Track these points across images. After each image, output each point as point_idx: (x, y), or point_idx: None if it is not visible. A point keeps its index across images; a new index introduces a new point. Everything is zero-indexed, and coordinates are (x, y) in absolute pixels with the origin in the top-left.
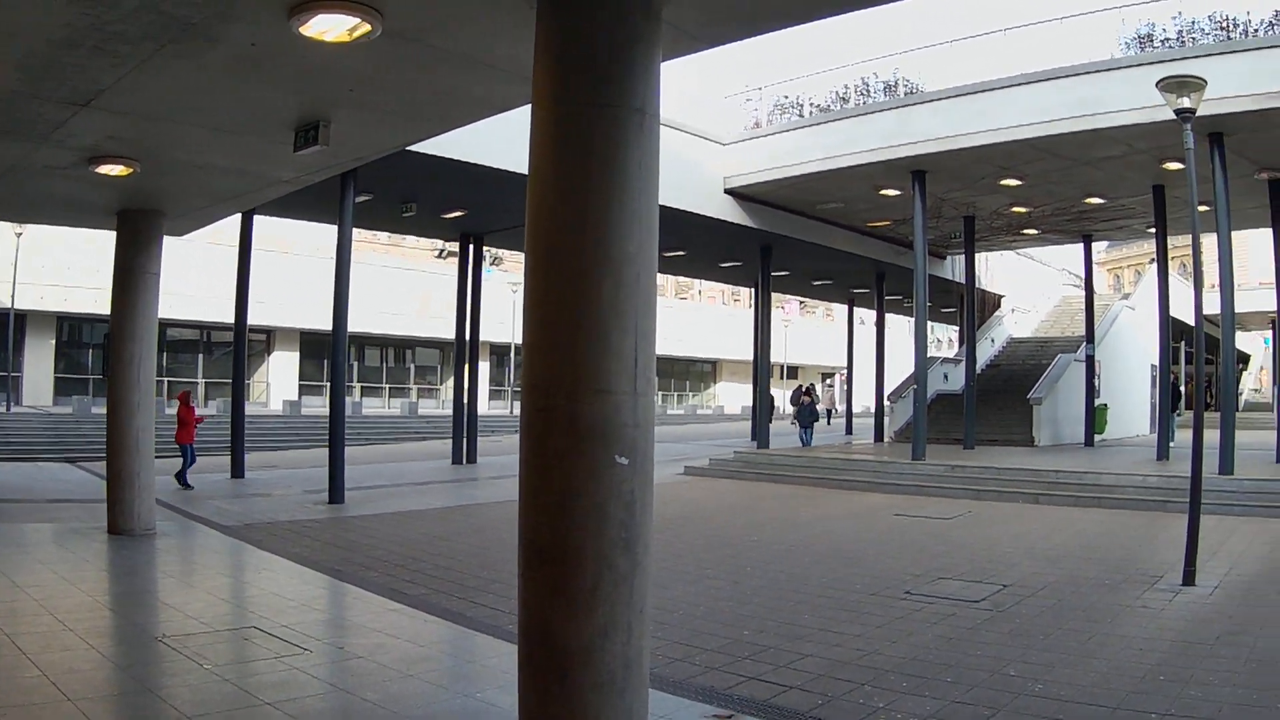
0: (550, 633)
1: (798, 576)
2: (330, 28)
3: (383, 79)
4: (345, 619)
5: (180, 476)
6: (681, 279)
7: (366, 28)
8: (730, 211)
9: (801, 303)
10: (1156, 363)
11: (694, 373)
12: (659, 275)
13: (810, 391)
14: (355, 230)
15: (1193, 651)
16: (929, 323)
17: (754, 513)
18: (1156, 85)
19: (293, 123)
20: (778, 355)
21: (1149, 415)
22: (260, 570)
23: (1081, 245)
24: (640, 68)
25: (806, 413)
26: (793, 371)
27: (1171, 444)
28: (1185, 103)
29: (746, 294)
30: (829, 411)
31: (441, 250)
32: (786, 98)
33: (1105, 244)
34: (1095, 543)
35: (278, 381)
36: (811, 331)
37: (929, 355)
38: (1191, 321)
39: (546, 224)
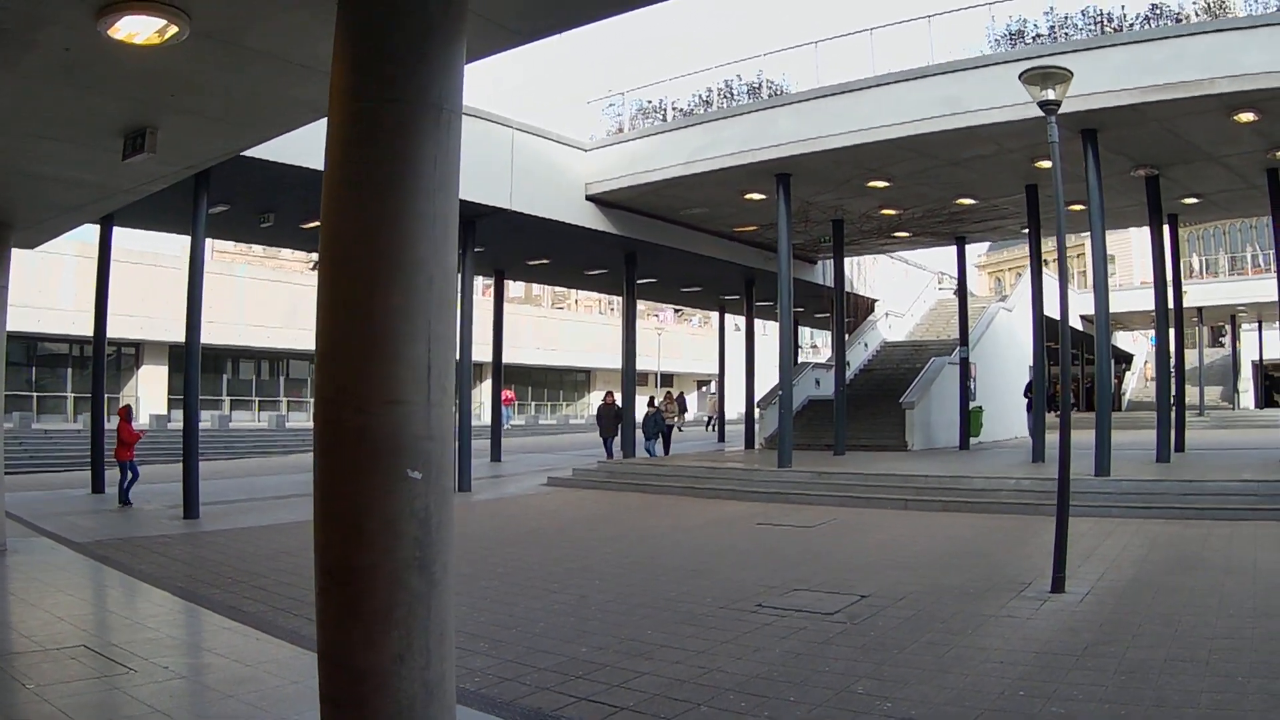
0: (346, 657)
1: (647, 589)
2: (139, 30)
3: (201, 82)
4: (179, 637)
5: (123, 493)
6: (560, 289)
7: (175, 29)
8: (592, 218)
9: (677, 310)
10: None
11: (568, 382)
12: (534, 285)
13: (652, 403)
14: (231, 242)
15: (1058, 664)
16: (805, 328)
17: (612, 524)
18: (1020, 77)
19: (120, 130)
20: (652, 364)
21: (1026, 417)
22: (104, 588)
23: (955, 247)
24: (439, 61)
25: (651, 424)
26: (668, 380)
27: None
28: (1050, 95)
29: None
30: (709, 419)
31: (314, 263)
32: (650, 102)
33: (986, 247)
34: (962, 549)
35: (147, 395)
36: (686, 339)
37: (801, 361)
38: (1071, 322)
39: (337, 226)
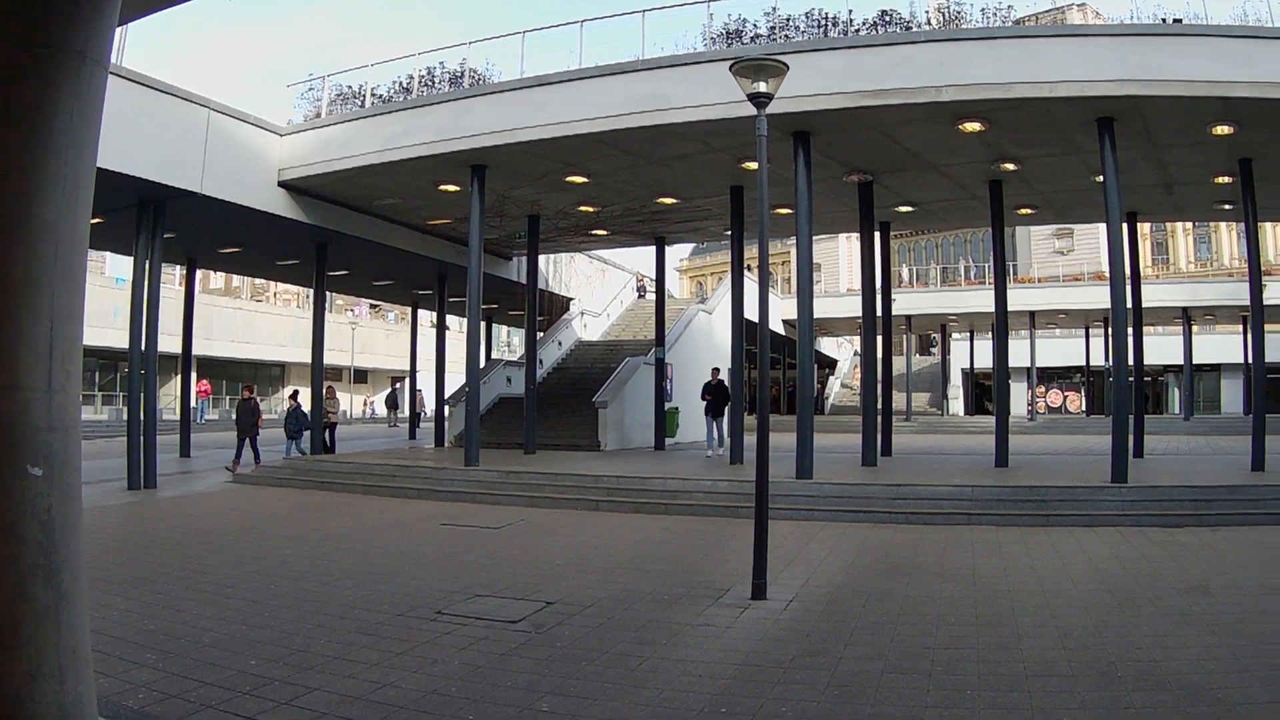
0: None
1: (324, 595)
2: None
3: None
4: None
5: None
6: (259, 280)
7: None
8: (284, 206)
9: (374, 306)
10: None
11: (262, 376)
12: (232, 276)
13: (294, 397)
14: None
15: (763, 677)
16: (502, 326)
17: (294, 523)
18: (731, 68)
19: None
20: (346, 359)
21: (705, 420)
22: None
23: (655, 248)
24: (87, 7)
25: (292, 420)
26: (362, 375)
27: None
28: (762, 87)
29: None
30: (417, 416)
31: None
32: (349, 87)
33: (689, 251)
34: (656, 553)
35: None
36: (381, 335)
37: (494, 358)
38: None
39: None
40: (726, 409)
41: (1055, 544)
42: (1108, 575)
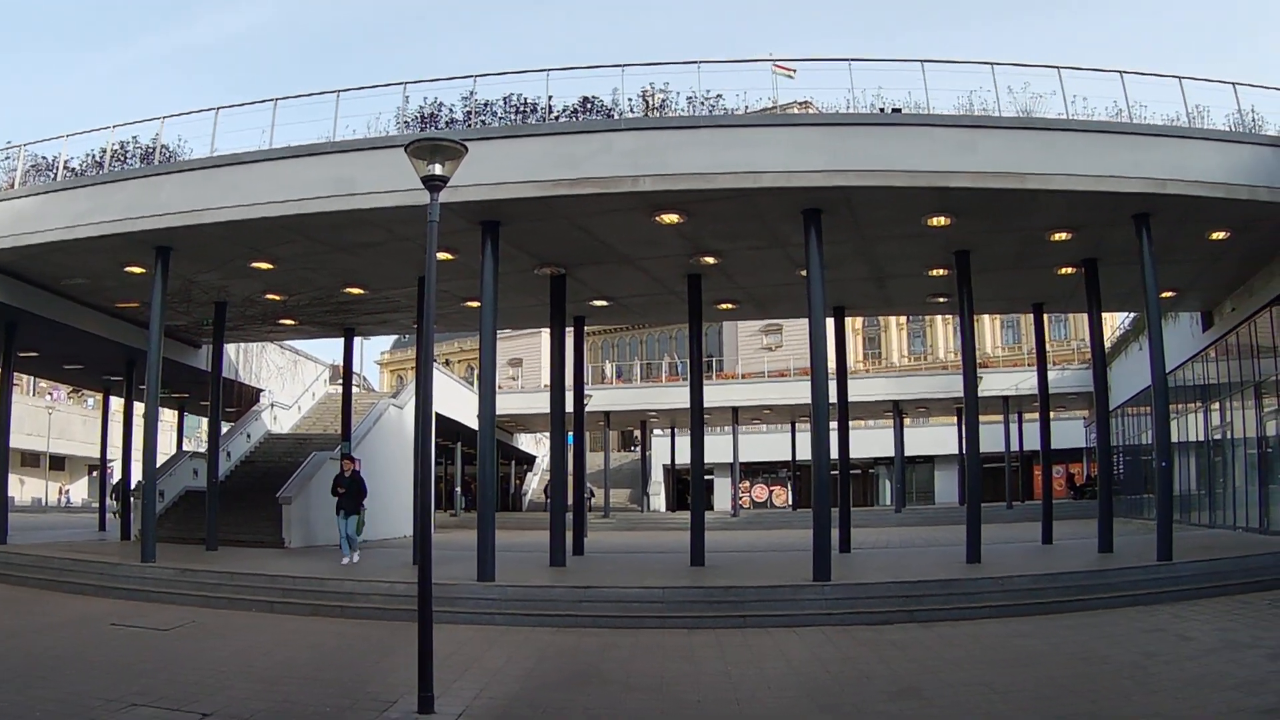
0: None
1: None
2: None
3: None
4: None
5: None
6: None
7: None
8: None
9: (75, 390)
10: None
11: None
12: None
13: None
14: None
15: None
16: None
17: None
18: (406, 149)
19: None
20: (42, 444)
21: (336, 518)
22: None
23: (342, 340)
24: None
25: None
26: (59, 462)
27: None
28: (437, 169)
29: (27, 380)
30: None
31: None
32: (44, 157)
33: (390, 344)
34: (326, 660)
35: None
36: (78, 419)
37: (183, 449)
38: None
39: None
40: (363, 506)
41: (753, 647)
42: (809, 679)
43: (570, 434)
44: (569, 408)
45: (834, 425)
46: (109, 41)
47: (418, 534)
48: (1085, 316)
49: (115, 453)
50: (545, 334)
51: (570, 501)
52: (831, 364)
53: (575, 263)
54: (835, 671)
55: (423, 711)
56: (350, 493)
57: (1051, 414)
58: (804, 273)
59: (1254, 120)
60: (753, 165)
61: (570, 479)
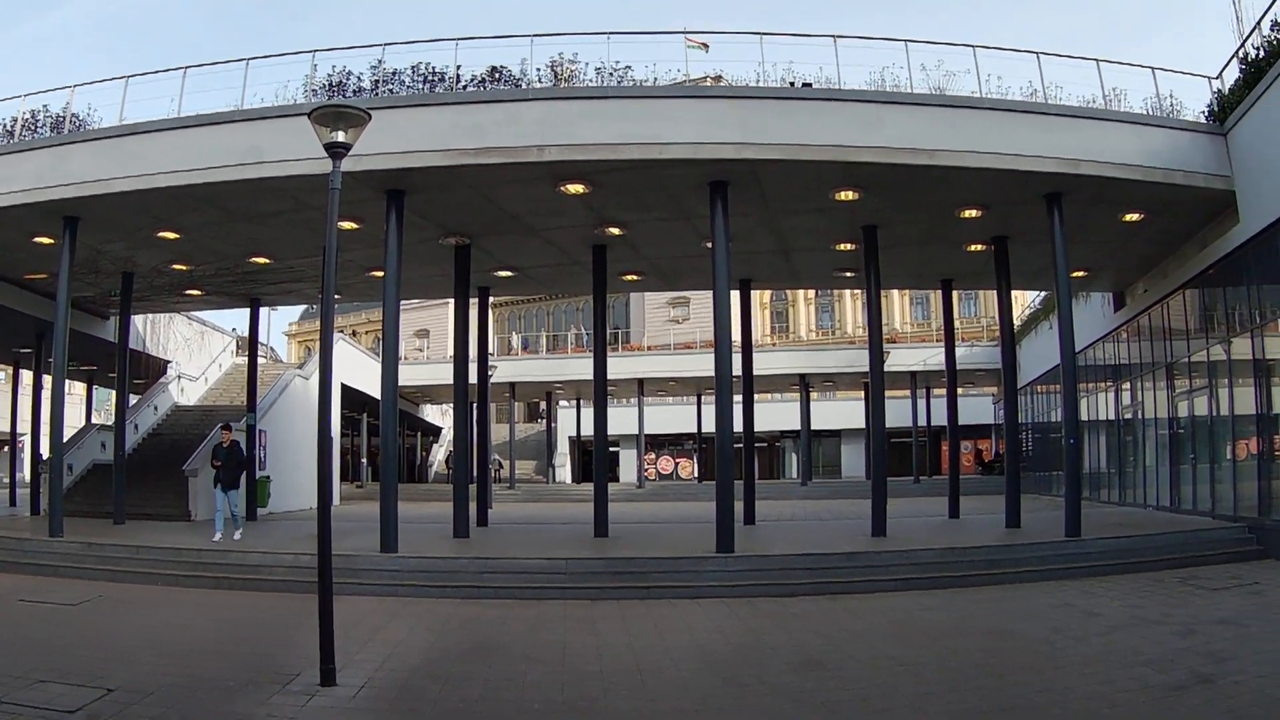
0: None
1: None
2: None
3: None
4: None
5: None
6: None
7: None
8: None
9: None
10: (335, 435)
11: None
12: None
13: None
14: None
15: None
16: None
17: None
18: (309, 115)
19: None
20: None
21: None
22: None
23: (249, 310)
24: None
25: None
26: None
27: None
28: (340, 136)
29: None
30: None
31: None
32: None
33: (298, 314)
34: (230, 633)
35: None
36: None
37: (92, 422)
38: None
39: None
40: (242, 478)
41: (655, 619)
42: (711, 651)
43: (474, 404)
44: (473, 379)
45: (739, 398)
46: (33, 5)
47: (320, 506)
48: (995, 294)
49: (25, 427)
50: (452, 305)
51: (475, 473)
52: (737, 337)
53: (481, 233)
54: (738, 643)
55: (325, 684)
56: (228, 464)
57: (960, 390)
58: (710, 245)
59: (1173, 105)
60: (660, 137)
61: (474, 450)
